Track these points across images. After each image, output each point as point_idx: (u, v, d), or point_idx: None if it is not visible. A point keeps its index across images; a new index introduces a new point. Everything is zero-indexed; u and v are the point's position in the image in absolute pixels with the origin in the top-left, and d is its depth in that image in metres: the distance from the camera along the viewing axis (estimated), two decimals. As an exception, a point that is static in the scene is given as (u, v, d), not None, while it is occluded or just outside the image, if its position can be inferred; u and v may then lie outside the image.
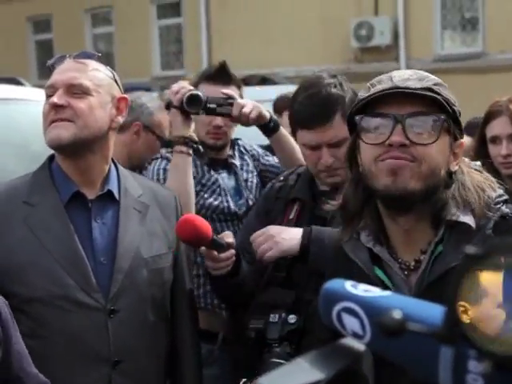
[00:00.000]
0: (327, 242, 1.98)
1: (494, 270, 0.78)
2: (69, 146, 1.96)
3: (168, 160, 2.68)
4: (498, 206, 1.57)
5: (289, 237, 2.08)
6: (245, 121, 2.60)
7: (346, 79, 2.27)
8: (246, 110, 2.55)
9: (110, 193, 2.05)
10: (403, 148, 1.52)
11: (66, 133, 1.95)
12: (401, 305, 0.88)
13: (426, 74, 1.61)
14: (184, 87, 2.53)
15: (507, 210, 1.57)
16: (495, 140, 2.88)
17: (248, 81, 12.93)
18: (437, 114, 1.55)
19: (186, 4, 15.26)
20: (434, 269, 1.56)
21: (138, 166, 3.00)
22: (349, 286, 0.95)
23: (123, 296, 1.98)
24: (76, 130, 1.95)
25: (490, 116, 2.90)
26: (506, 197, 1.60)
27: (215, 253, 2.08)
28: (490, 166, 2.77)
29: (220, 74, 2.78)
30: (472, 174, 1.63)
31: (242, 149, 2.95)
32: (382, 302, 0.91)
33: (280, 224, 2.25)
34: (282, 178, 2.41)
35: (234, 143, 2.94)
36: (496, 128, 2.87)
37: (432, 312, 0.87)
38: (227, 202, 2.76)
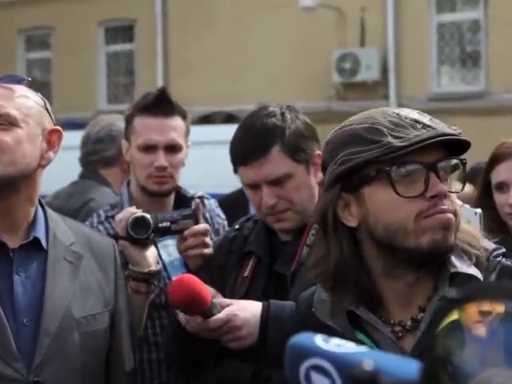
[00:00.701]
0: (287, 318, 1.99)
1: (478, 316, 0.81)
2: (-10, 185, 1.97)
3: (105, 227, 2.66)
4: (498, 258, 1.66)
5: (254, 329, 2.08)
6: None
7: (296, 110, 2.31)
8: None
9: (36, 241, 2.05)
10: (446, 199, 1.62)
11: (-12, 170, 1.96)
12: (375, 358, 0.91)
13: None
14: (128, 212, 2.45)
15: (508, 263, 1.66)
16: (501, 187, 2.89)
17: (211, 118, 13.10)
18: (459, 158, 1.67)
19: (140, 28, 15.42)
20: (432, 328, 1.59)
21: None
22: (319, 340, 0.97)
23: (49, 365, 1.97)
24: (0, 166, 1.97)
25: (496, 160, 2.92)
26: (503, 249, 1.69)
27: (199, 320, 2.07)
28: (495, 217, 2.81)
29: (159, 104, 2.62)
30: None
31: (210, 213, 2.79)
32: (356, 358, 0.93)
33: (235, 281, 2.26)
34: (236, 227, 2.42)
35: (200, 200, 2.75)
36: (503, 173, 2.89)
37: (408, 366, 0.90)
38: (165, 292, 2.63)
